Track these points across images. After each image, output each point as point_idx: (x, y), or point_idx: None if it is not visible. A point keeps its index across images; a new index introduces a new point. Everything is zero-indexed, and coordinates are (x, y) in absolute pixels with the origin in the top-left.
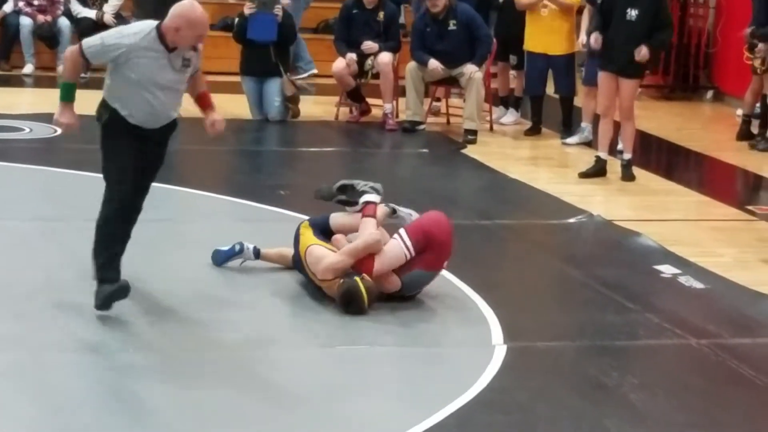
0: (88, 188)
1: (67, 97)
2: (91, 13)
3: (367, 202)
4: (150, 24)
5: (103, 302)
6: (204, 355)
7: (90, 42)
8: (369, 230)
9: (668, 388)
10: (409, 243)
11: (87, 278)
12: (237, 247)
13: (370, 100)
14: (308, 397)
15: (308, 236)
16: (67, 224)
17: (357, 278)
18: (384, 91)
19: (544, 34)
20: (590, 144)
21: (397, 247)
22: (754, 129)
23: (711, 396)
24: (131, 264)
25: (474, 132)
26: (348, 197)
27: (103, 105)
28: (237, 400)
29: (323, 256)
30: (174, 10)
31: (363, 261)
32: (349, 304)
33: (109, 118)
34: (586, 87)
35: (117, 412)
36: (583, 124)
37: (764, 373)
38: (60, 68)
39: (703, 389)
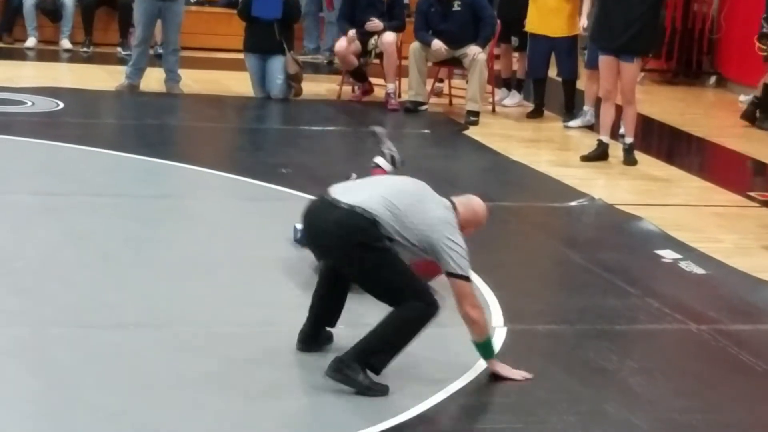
0: (90, 163)
1: (493, 353)
2: None
3: (376, 165)
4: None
5: (359, 389)
6: (205, 331)
7: (465, 264)
8: None
9: (667, 373)
10: None
11: (88, 253)
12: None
13: (373, 80)
14: (308, 378)
15: None
16: (68, 199)
17: None
18: (387, 71)
19: (546, 16)
20: (592, 127)
21: None
22: None
23: (710, 381)
24: (131, 239)
25: (476, 113)
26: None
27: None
28: (238, 373)
29: None
30: (478, 208)
31: None
32: None
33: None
34: (588, 70)
35: (116, 387)
36: (585, 108)
37: (764, 359)
38: (64, 42)
39: (702, 375)
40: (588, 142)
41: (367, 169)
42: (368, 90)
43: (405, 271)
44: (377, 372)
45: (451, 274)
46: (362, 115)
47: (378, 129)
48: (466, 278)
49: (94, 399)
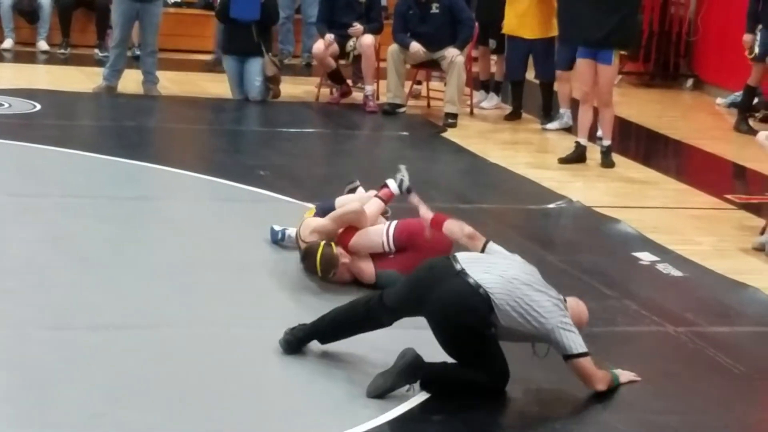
0: (68, 165)
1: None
2: None
3: (385, 185)
4: None
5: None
6: (185, 332)
7: (581, 342)
8: (364, 204)
9: (645, 375)
10: (391, 235)
11: (66, 254)
12: (280, 234)
13: (351, 82)
14: (290, 379)
15: (308, 216)
16: (46, 200)
17: (323, 243)
18: (365, 73)
19: (523, 18)
20: (570, 129)
21: (378, 233)
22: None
23: (688, 383)
24: (109, 241)
25: (454, 116)
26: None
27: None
28: (218, 374)
29: (312, 222)
30: (583, 310)
31: (344, 233)
32: (304, 258)
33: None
34: (559, 72)
35: (96, 388)
36: (562, 110)
37: (741, 361)
38: (41, 43)
39: (680, 376)
40: (566, 145)
41: (375, 187)
42: (346, 92)
43: (495, 353)
44: (424, 390)
45: (571, 356)
46: (340, 117)
47: (402, 168)
48: (586, 354)
49: (74, 400)
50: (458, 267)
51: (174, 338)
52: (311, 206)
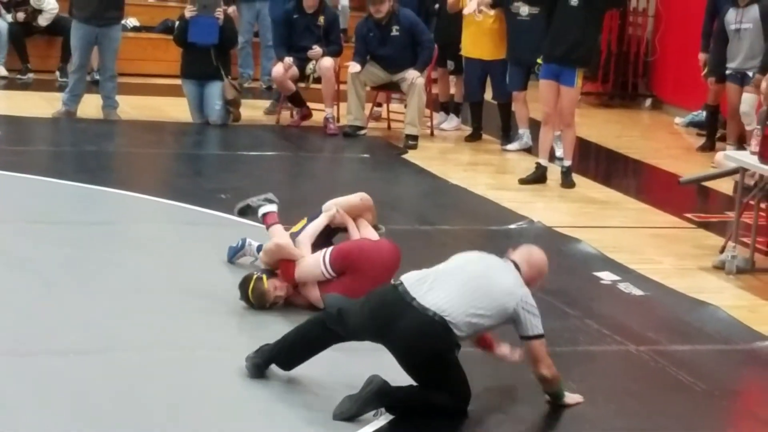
0: (27, 190)
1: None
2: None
3: (265, 214)
4: None
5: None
6: (146, 356)
7: (539, 323)
8: (276, 237)
9: (608, 393)
10: (327, 261)
11: (26, 279)
12: (239, 243)
13: (312, 105)
14: (254, 401)
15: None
16: (5, 226)
17: (257, 275)
18: (325, 96)
19: (479, 39)
20: (530, 150)
21: (316, 262)
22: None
23: (650, 402)
24: (69, 265)
25: (415, 137)
26: (252, 216)
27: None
28: (180, 398)
29: (272, 239)
30: (539, 261)
31: (288, 266)
32: (239, 287)
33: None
34: (515, 93)
35: (56, 414)
36: (521, 131)
37: (702, 379)
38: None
39: (642, 395)
40: (526, 165)
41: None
42: (306, 115)
43: (457, 376)
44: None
45: (528, 338)
46: (301, 140)
47: (239, 205)
48: (541, 336)
49: (34, 426)
50: (408, 296)
51: (136, 363)
52: (246, 222)
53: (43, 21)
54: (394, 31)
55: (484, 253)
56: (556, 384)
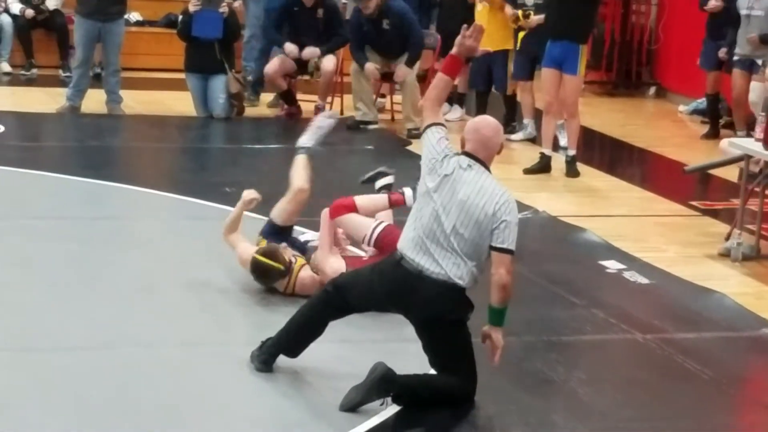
0: (33, 186)
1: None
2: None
3: (401, 192)
4: None
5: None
6: (152, 352)
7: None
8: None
9: (615, 382)
10: (377, 232)
11: (31, 276)
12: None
13: (312, 96)
14: (259, 397)
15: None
16: (11, 222)
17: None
18: (320, 89)
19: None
20: (534, 140)
21: (365, 226)
22: None
23: (657, 390)
24: (75, 261)
25: (416, 128)
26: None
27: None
28: (186, 394)
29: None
30: (488, 134)
31: (336, 209)
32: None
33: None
34: (516, 81)
35: (62, 410)
36: (525, 121)
37: (709, 366)
38: (3, 65)
39: (649, 383)
40: (530, 155)
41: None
42: (294, 114)
43: (471, 353)
44: (396, 404)
45: (503, 250)
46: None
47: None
48: (512, 252)
49: (39, 422)
50: (414, 269)
51: (142, 358)
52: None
53: (51, 4)
54: (385, 25)
55: (460, 182)
56: (506, 299)
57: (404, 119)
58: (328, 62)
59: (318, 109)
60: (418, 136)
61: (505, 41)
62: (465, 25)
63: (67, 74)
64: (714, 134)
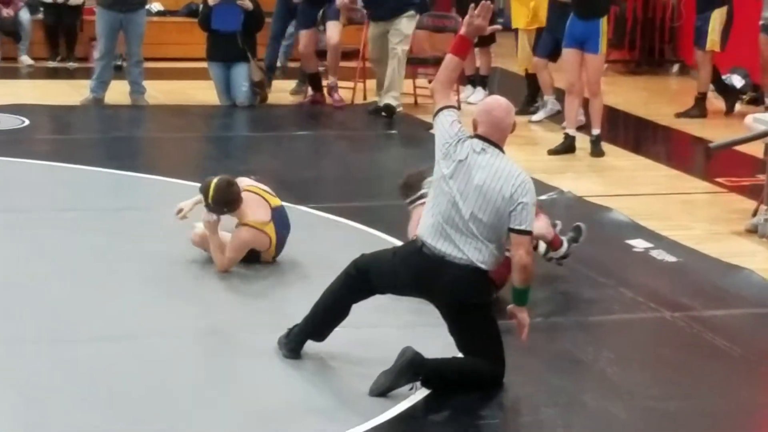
0: (58, 178)
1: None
2: None
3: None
4: None
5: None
6: (179, 341)
7: (533, 220)
8: None
9: (644, 361)
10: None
11: (58, 268)
12: None
13: (340, 82)
14: (296, 376)
15: None
16: (37, 215)
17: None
18: (330, 65)
19: (519, 9)
20: (557, 115)
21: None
22: None
23: (686, 368)
24: (101, 253)
25: (391, 107)
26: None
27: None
28: (213, 382)
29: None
30: (500, 115)
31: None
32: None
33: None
34: (538, 59)
35: (91, 401)
36: (546, 97)
37: (738, 344)
38: (24, 58)
39: (678, 362)
40: (554, 136)
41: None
42: (318, 101)
43: (498, 336)
44: (425, 387)
45: (521, 231)
46: (329, 119)
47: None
48: (530, 233)
49: (69, 413)
50: (437, 255)
51: (169, 347)
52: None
53: None
54: None
55: (475, 167)
56: (528, 279)
57: (384, 93)
58: (333, 32)
59: (331, 89)
60: (391, 116)
61: (533, 20)
62: (472, 5)
63: (70, 64)
64: (730, 108)
